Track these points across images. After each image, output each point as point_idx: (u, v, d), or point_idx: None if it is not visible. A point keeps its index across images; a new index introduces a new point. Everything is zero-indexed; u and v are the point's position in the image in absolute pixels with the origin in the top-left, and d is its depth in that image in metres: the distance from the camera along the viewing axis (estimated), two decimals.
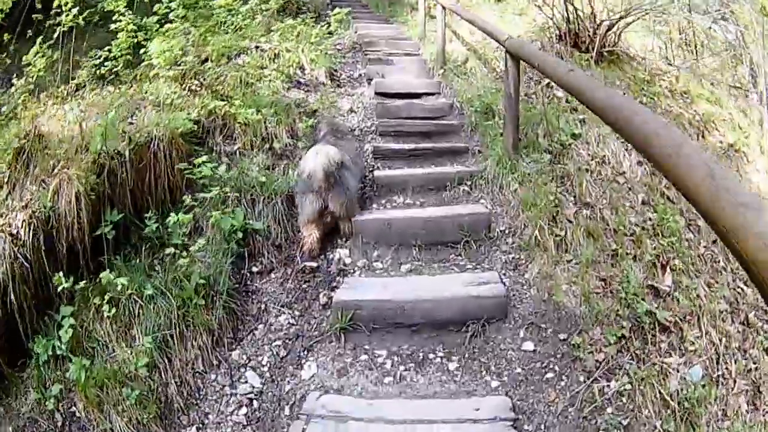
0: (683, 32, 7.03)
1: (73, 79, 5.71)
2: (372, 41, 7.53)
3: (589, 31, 5.79)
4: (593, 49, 5.72)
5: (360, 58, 7.30)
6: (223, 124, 4.33)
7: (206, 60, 5.13)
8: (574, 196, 3.89)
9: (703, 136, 5.59)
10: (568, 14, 5.84)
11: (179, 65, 4.70)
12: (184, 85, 4.75)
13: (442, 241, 3.62)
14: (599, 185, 4.05)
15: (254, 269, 3.67)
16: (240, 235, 3.59)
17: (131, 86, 4.86)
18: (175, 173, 3.78)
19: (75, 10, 5.28)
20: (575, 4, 5.72)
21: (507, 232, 3.68)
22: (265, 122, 4.49)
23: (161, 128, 3.75)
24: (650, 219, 3.84)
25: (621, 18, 5.61)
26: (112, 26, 5.27)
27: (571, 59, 5.90)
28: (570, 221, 3.57)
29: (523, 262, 3.42)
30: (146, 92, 4.45)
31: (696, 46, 7.09)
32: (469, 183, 4.18)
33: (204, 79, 4.80)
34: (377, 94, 6.14)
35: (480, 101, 5.26)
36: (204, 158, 3.61)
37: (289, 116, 4.79)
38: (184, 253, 3.35)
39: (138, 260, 3.42)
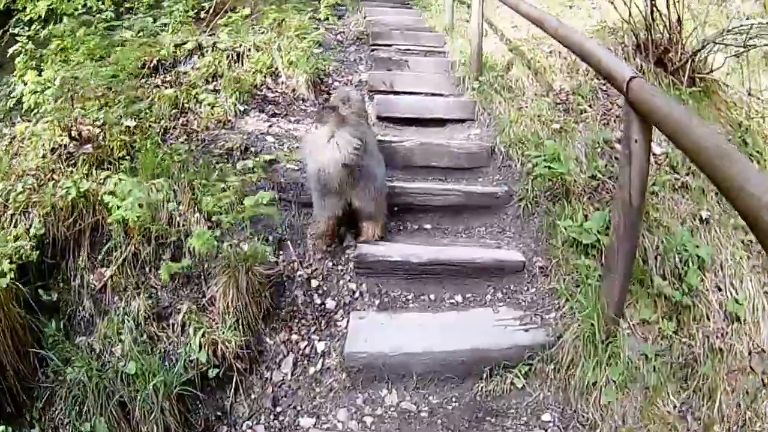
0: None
1: None
2: (382, 32, 5.43)
3: (678, 46, 3.79)
4: (684, 73, 3.75)
5: (365, 55, 5.28)
6: (94, 222, 2.48)
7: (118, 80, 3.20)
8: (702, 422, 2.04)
9: None
10: (652, 17, 3.82)
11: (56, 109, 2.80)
12: (65, 136, 2.89)
13: None
14: (733, 386, 2.17)
15: None
16: None
17: None
18: None
19: None
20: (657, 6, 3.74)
21: None
22: (165, 205, 2.60)
23: None
24: None
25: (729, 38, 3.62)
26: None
27: (656, 83, 3.82)
28: None
29: None
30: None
31: None
32: (524, 371, 2.25)
33: (93, 124, 2.93)
34: (380, 119, 4.19)
35: (541, 159, 3.12)
36: None
37: (213, 183, 2.77)
38: None
39: None
